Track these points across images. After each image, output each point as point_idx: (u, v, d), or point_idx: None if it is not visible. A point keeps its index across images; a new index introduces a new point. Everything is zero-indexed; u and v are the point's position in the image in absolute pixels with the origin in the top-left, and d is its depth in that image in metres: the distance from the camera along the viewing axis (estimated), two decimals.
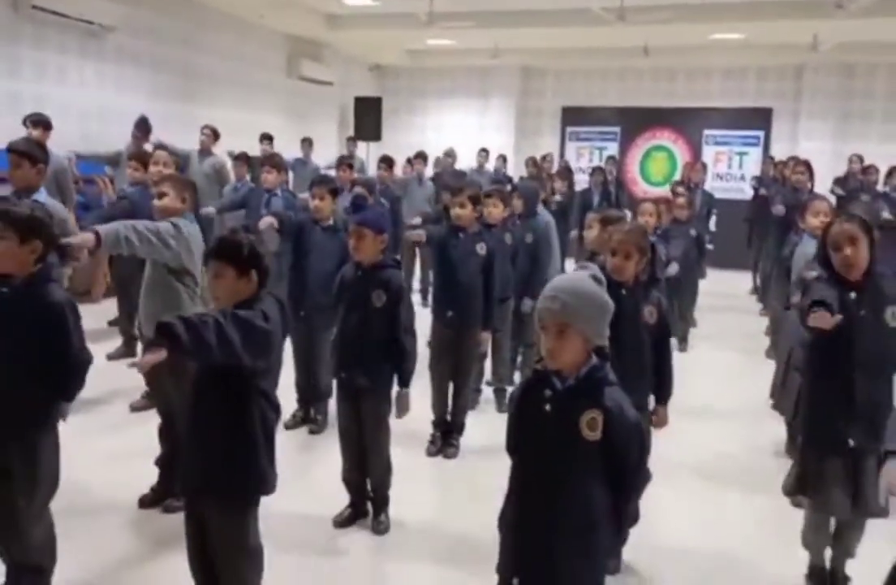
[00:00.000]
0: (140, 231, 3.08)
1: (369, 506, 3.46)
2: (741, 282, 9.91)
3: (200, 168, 7.31)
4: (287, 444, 4.28)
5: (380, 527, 3.37)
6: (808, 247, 3.94)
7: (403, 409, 3.32)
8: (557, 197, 8.17)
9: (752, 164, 12.64)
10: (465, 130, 13.62)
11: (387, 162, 7.26)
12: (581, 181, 11.13)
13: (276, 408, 2.35)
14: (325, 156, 10.59)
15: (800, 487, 2.91)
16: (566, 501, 1.87)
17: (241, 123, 9.73)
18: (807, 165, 6.76)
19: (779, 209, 6.50)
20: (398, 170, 8.70)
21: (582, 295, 1.84)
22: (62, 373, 2.55)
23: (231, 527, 2.30)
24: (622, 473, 1.86)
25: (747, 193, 11.32)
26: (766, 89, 12.56)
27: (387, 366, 3.27)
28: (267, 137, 8.60)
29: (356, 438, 3.32)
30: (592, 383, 1.86)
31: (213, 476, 2.26)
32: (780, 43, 10.71)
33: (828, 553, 3.00)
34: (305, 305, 4.33)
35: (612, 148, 13.40)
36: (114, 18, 7.89)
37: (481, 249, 4.22)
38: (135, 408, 4.60)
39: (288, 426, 4.58)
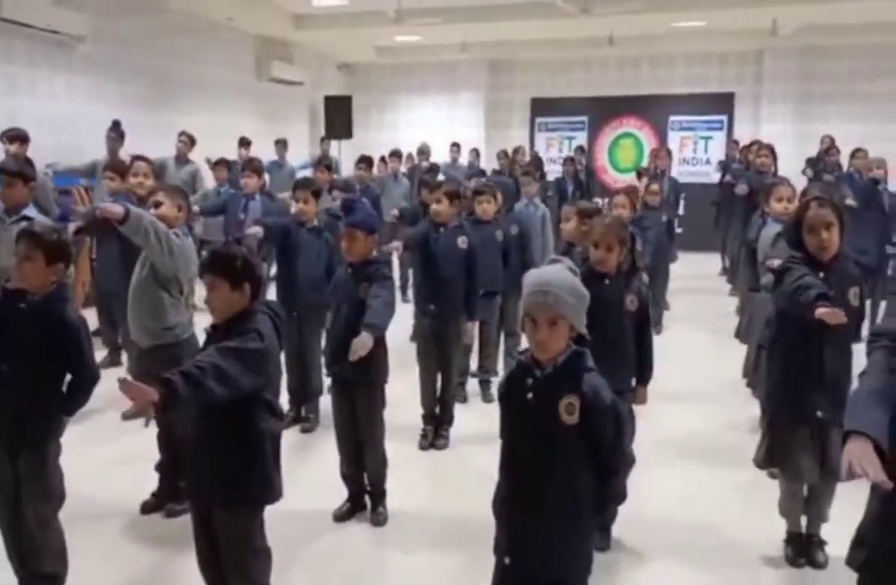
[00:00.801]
0: (158, 229, 3.19)
1: (367, 499, 3.58)
2: (710, 264, 10.15)
3: (178, 175, 7.36)
4: (281, 444, 4.40)
5: (379, 519, 3.50)
6: (771, 230, 4.12)
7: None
8: None
9: (717, 148, 12.88)
10: (435, 124, 13.72)
11: (366, 162, 7.35)
12: (554, 171, 11.32)
13: (280, 415, 2.44)
14: (297, 156, 10.66)
15: (770, 459, 3.09)
16: (552, 485, 1.99)
17: (214, 127, 9.75)
18: (770, 149, 6.96)
19: (742, 189, 6.69)
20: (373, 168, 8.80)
21: (569, 288, 1.98)
22: (74, 387, 2.68)
23: (238, 531, 2.38)
24: (600, 454, 1.98)
25: (713, 176, 11.56)
26: (728, 74, 12.81)
27: (378, 358, 3.36)
28: (245, 142, 8.64)
29: (352, 432, 3.44)
30: (571, 369, 1.99)
31: (220, 485, 2.34)
32: (741, 29, 10.93)
33: (803, 519, 3.19)
34: (296, 305, 4.43)
35: (581, 137, 13.58)
36: (82, 28, 7.88)
37: (463, 242, 4.33)
38: (127, 417, 4.62)
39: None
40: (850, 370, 2.90)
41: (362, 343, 3.09)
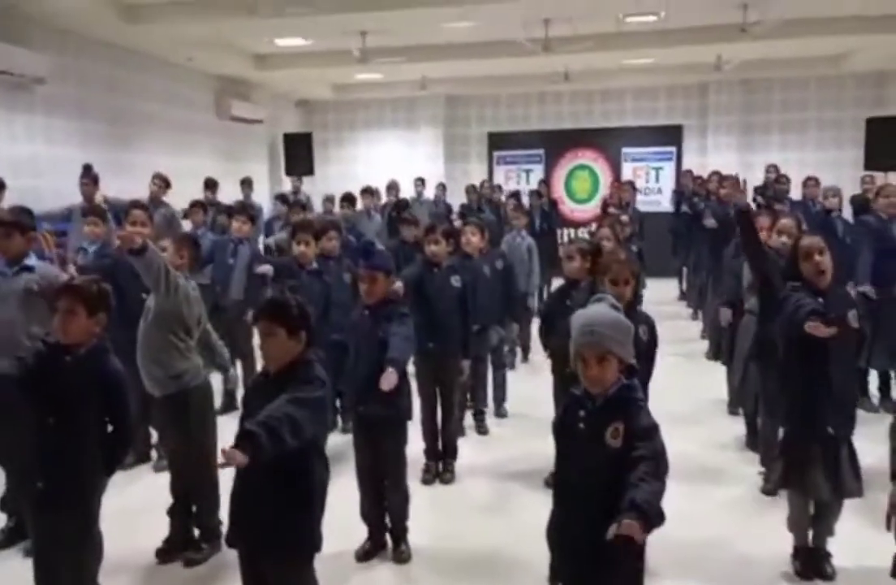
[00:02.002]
0: (168, 266, 3.25)
1: (387, 538, 3.62)
2: (668, 289, 10.48)
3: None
4: None
5: (402, 557, 3.54)
6: None
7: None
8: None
9: (668, 178, 13.43)
10: (395, 160, 13.92)
11: (349, 200, 7.45)
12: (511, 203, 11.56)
13: (327, 465, 2.48)
14: (258, 194, 10.70)
15: (786, 481, 3.25)
16: (601, 511, 2.07)
17: (175, 167, 9.69)
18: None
19: (710, 222, 6.99)
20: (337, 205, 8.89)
21: (613, 324, 2.14)
22: (115, 441, 2.70)
23: (298, 583, 2.42)
24: (635, 465, 2.03)
25: (665, 205, 12.03)
26: (676, 108, 13.39)
27: (403, 394, 3.45)
28: (211, 184, 8.64)
29: (374, 471, 3.49)
30: (620, 400, 2.14)
31: (277, 537, 2.34)
32: (686, 64, 11.46)
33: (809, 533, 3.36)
34: None
35: (538, 170, 13.96)
36: (42, 69, 7.80)
37: (456, 281, 4.47)
38: (159, 469, 4.47)
39: None
40: (855, 387, 3.12)
41: (388, 379, 3.18)
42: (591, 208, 13.98)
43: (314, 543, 2.42)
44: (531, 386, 6.06)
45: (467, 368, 4.53)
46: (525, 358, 7.34)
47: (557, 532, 2.22)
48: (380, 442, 3.46)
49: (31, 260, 3.64)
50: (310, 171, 12.40)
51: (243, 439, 2.06)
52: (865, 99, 12.20)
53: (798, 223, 4.40)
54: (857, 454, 3.22)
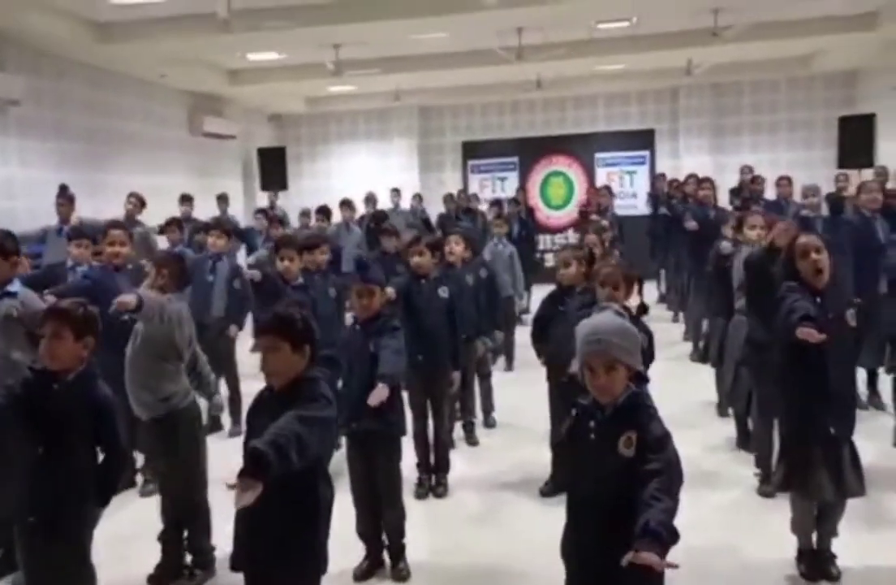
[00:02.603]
0: (163, 306, 3.17)
1: (385, 555, 3.55)
2: (646, 292, 10.47)
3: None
4: None
5: (401, 575, 3.46)
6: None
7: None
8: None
9: (642, 181, 13.51)
10: (369, 172, 13.89)
11: (324, 213, 7.40)
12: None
13: (331, 484, 2.40)
14: (233, 210, 10.59)
15: (788, 483, 3.23)
16: (613, 522, 2.04)
17: (150, 186, 9.58)
18: (711, 182, 7.36)
19: (692, 225, 7.01)
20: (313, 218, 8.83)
21: (620, 332, 2.10)
22: (107, 470, 2.62)
23: None
24: (648, 480, 1.98)
25: (640, 208, 12.12)
26: (647, 112, 13.53)
27: (396, 410, 3.40)
28: (187, 198, 8.55)
29: (369, 488, 3.42)
30: (631, 408, 2.10)
31: (283, 558, 2.28)
32: (657, 69, 11.58)
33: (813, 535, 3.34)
34: None
35: (513, 177, 13.99)
36: (15, 91, 7.71)
37: (443, 292, 4.42)
38: (145, 494, 4.38)
39: None
40: (854, 386, 3.11)
41: (379, 394, 3.13)
42: (567, 214, 14.08)
43: (320, 564, 2.36)
44: (517, 394, 6.04)
45: (457, 380, 4.48)
46: (509, 366, 7.30)
47: (571, 545, 2.17)
48: (374, 458, 3.40)
49: (15, 286, 3.54)
50: (284, 185, 12.34)
51: (251, 459, 1.99)
52: (834, 99, 12.39)
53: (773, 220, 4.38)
54: (858, 453, 3.21)
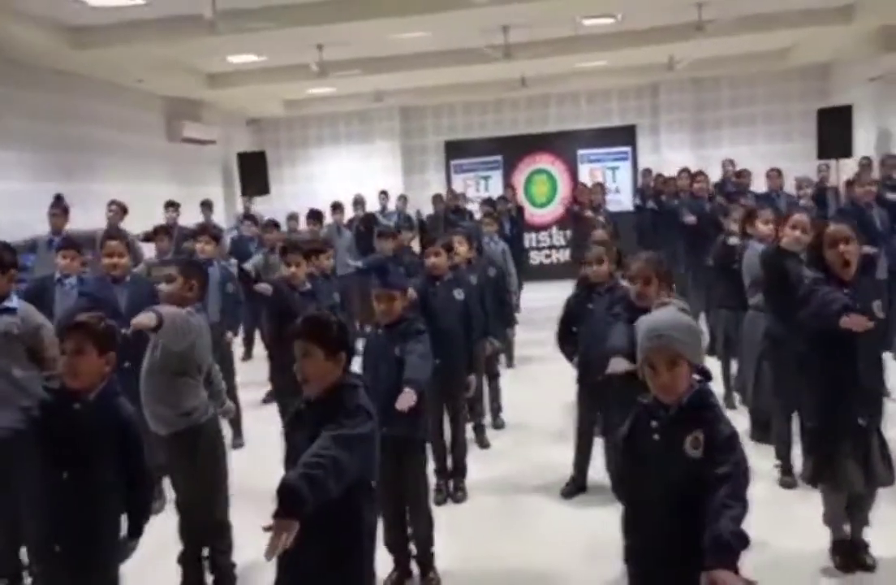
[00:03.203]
0: (185, 319, 3.03)
1: (413, 565, 3.46)
2: None
3: None
4: None
5: (432, 584, 3.38)
6: (757, 251, 4.37)
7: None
8: None
9: (624, 177, 13.54)
10: (352, 174, 13.74)
11: (316, 217, 7.28)
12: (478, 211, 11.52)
13: (375, 503, 2.28)
14: (215, 216, 10.41)
15: (819, 475, 3.19)
16: (680, 529, 1.97)
17: (129, 193, 9.38)
18: (705, 175, 7.37)
19: (690, 219, 7.00)
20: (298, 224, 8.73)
21: (682, 327, 2.03)
22: (139, 497, 2.50)
23: None
24: (718, 485, 1.91)
25: (625, 204, 12.13)
26: (628, 108, 13.53)
27: (423, 417, 3.32)
28: (172, 204, 8.39)
29: (396, 496, 3.33)
30: (695, 406, 2.02)
31: (321, 582, 2.16)
32: (638, 65, 11.59)
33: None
34: (292, 373, 4.28)
35: (497, 176, 13.94)
36: None
37: (459, 294, 4.34)
38: (155, 511, 4.25)
39: None
40: (882, 376, 3.08)
41: (407, 399, 3.04)
42: (550, 212, 14.07)
43: None
44: (520, 393, 5.98)
45: (473, 383, 4.41)
46: (510, 364, 7.24)
47: (634, 549, 2.09)
48: (402, 465, 3.30)
49: (13, 301, 3.38)
50: (265, 190, 12.17)
51: (284, 496, 1.87)
52: (811, 91, 12.48)
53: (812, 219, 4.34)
54: (887, 442, 3.19)
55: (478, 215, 10.57)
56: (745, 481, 1.96)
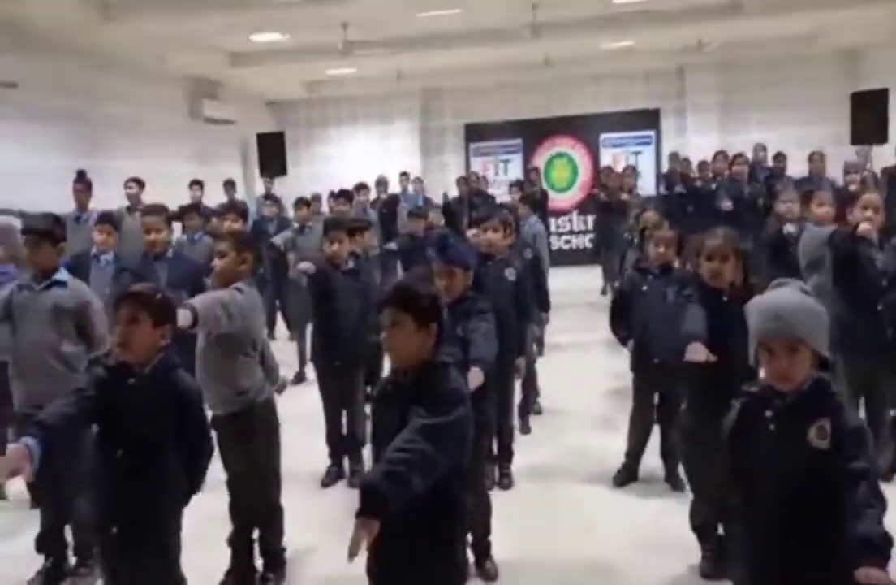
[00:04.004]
0: (226, 306, 2.86)
1: (469, 553, 3.33)
2: None
3: (136, 223, 6.88)
4: (329, 503, 4.11)
5: (489, 574, 3.27)
6: (812, 234, 4.23)
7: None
8: None
9: (648, 162, 13.31)
10: (370, 156, 13.56)
11: (345, 196, 7.13)
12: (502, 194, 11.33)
13: (466, 489, 2.15)
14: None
15: None
16: (801, 522, 1.83)
17: (148, 171, 9.26)
18: (746, 158, 7.17)
19: (727, 205, 6.81)
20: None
21: (806, 310, 1.86)
22: (195, 463, 2.38)
23: None
24: (852, 487, 1.78)
25: (647, 189, 11.88)
26: (653, 91, 13.28)
27: (487, 399, 3.20)
28: (196, 183, 8.26)
29: None
30: (816, 395, 1.87)
31: (415, 575, 2.04)
32: (665, 47, 11.35)
33: None
34: (338, 355, 4.17)
35: (516, 160, 13.74)
36: (15, 74, 7.38)
37: (510, 274, 4.18)
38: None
39: (325, 484, 4.37)
40: None
41: (475, 378, 2.90)
42: (571, 197, 13.87)
43: (459, 580, 2.11)
44: (553, 380, 5.85)
45: (523, 366, 4.27)
46: (540, 351, 7.11)
47: (752, 548, 1.93)
48: None
49: (62, 274, 3.29)
50: (283, 171, 12.00)
51: (366, 497, 1.76)
52: (842, 75, 12.22)
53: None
54: None
55: (500, 199, 10.45)
56: (876, 471, 1.82)
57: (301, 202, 6.37)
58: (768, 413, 1.90)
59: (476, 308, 3.18)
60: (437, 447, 1.88)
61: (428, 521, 2.00)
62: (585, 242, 13.44)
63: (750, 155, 10.02)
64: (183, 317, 2.59)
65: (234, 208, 5.68)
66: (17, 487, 3.93)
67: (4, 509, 4.14)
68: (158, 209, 4.40)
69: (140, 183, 7.24)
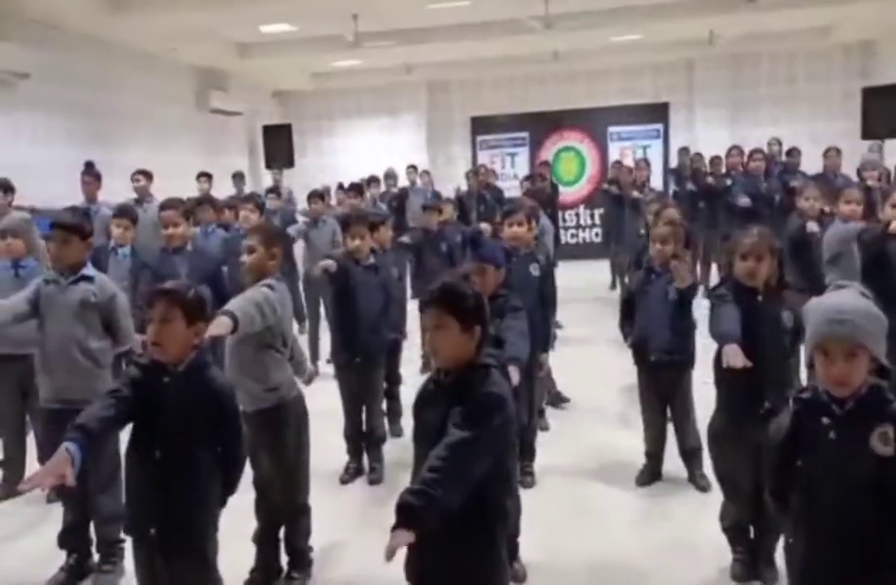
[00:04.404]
0: (260, 306, 2.81)
1: None
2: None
3: (147, 216, 6.82)
4: (349, 500, 4.08)
5: (518, 576, 3.21)
6: (838, 231, 4.20)
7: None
8: None
9: (656, 156, 13.22)
10: (376, 148, 13.49)
11: (356, 189, 7.07)
12: (507, 188, 11.25)
13: (510, 489, 2.17)
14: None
15: None
16: (864, 537, 1.80)
17: (155, 163, 9.20)
18: (763, 153, 7.08)
19: (745, 201, 6.73)
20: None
21: (867, 314, 1.81)
22: (229, 465, 2.34)
23: None
24: None
25: (656, 184, 11.79)
26: (662, 85, 13.20)
27: (519, 399, 3.11)
28: (204, 175, 8.19)
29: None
30: (875, 401, 1.83)
31: (456, 580, 2.02)
32: (675, 40, 11.27)
33: None
34: (358, 350, 4.12)
35: (524, 153, 13.66)
36: (26, 65, 7.33)
37: (535, 269, 4.12)
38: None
39: (344, 481, 4.33)
40: None
41: (513, 377, 2.84)
42: (578, 191, 13.80)
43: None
44: (563, 375, 5.80)
45: (547, 362, 4.23)
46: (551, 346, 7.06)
47: (814, 563, 1.87)
48: None
49: (89, 270, 3.27)
50: (290, 163, 11.94)
51: (402, 515, 1.77)
52: (853, 70, 12.16)
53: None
54: None
55: (509, 193, 10.39)
56: None
57: (315, 195, 6.30)
58: (826, 420, 1.85)
59: (509, 306, 3.14)
60: (472, 462, 1.88)
61: (472, 522, 1.97)
62: (593, 236, 13.40)
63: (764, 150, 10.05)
64: (225, 325, 2.54)
65: (252, 199, 5.65)
66: None
67: (22, 505, 4.10)
68: (175, 203, 4.33)
69: (148, 175, 7.16)
